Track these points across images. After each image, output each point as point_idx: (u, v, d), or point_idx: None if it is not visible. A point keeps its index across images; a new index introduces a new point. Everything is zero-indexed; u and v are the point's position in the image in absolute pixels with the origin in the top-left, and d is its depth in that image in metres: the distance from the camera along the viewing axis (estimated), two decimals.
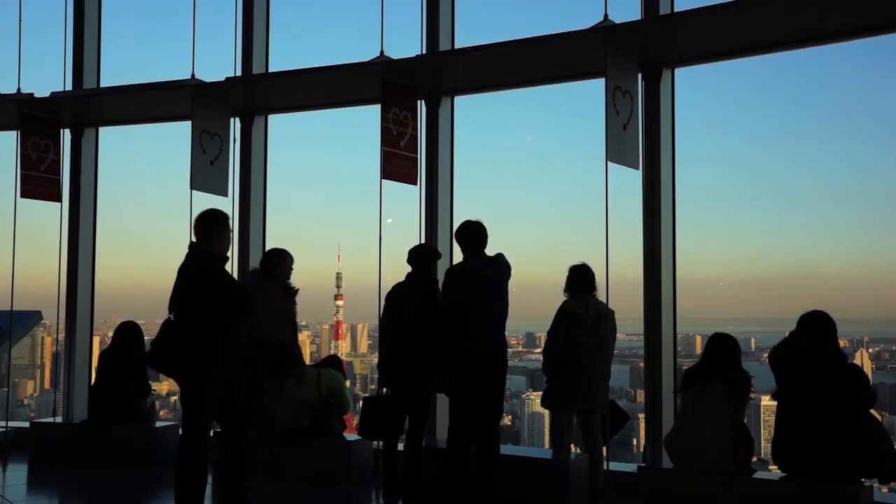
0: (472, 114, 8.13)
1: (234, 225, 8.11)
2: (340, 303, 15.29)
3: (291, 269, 6.20)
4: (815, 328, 5.17)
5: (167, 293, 5.15)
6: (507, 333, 5.81)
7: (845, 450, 4.93)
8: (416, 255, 6.20)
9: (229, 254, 5.28)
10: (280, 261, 6.13)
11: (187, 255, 5.15)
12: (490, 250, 5.79)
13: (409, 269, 6.19)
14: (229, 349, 5.05)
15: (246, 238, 8.18)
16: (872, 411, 5.14)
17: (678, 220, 6.61)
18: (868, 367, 9.31)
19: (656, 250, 6.49)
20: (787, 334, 5.36)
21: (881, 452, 4.94)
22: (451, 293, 5.76)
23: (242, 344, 5.30)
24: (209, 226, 5.17)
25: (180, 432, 5.12)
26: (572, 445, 6.19)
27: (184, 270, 5.12)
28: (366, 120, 7.70)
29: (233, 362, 5.12)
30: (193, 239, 5.22)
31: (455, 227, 6.15)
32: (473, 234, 5.80)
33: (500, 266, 5.75)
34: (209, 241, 5.13)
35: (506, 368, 5.78)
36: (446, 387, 5.85)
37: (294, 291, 6.13)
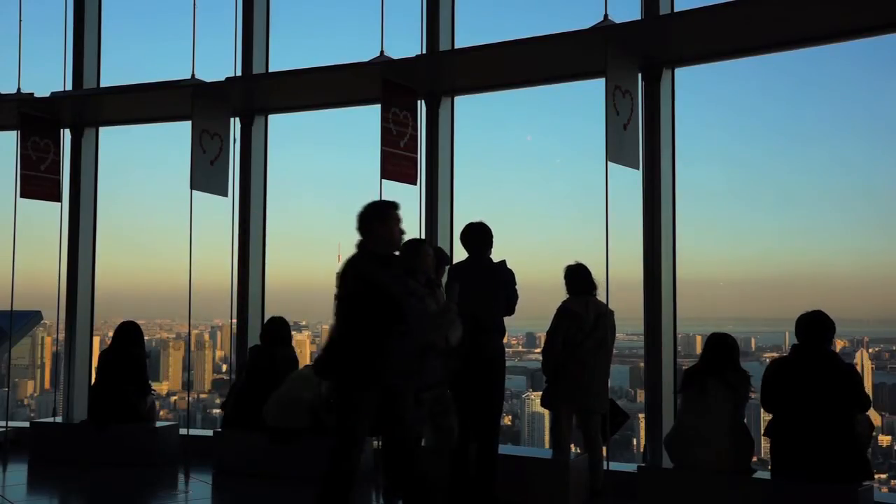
0: (472, 114, 8.13)
1: (235, 225, 8.12)
2: None
3: (434, 259, 5.62)
4: (811, 327, 5.17)
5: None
6: (507, 333, 5.81)
7: (836, 452, 4.94)
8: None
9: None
10: (419, 252, 5.52)
11: (352, 254, 4.72)
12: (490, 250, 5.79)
13: None
14: (393, 358, 4.57)
15: (246, 238, 8.18)
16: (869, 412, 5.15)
17: (678, 220, 6.61)
18: (868, 368, 9.31)
19: (656, 250, 6.50)
20: (786, 336, 5.37)
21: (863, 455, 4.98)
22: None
23: (407, 352, 4.74)
24: (361, 222, 4.72)
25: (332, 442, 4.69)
26: (572, 445, 6.19)
27: (342, 271, 4.71)
28: (366, 120, 7.71)
29: (396, 372, 4.61)
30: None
31: (455, 227, 6.15)
32: (473, 235, 5.79)
33: (498, 271, 5.71)
34: (366, 239, 4.67)
35: (503, 370, 5.74)
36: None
37: (439, 286, 5.50)
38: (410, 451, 4.76)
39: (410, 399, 4.76)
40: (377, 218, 4.68)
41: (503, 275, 5.71)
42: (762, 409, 5.42)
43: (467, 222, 5.88)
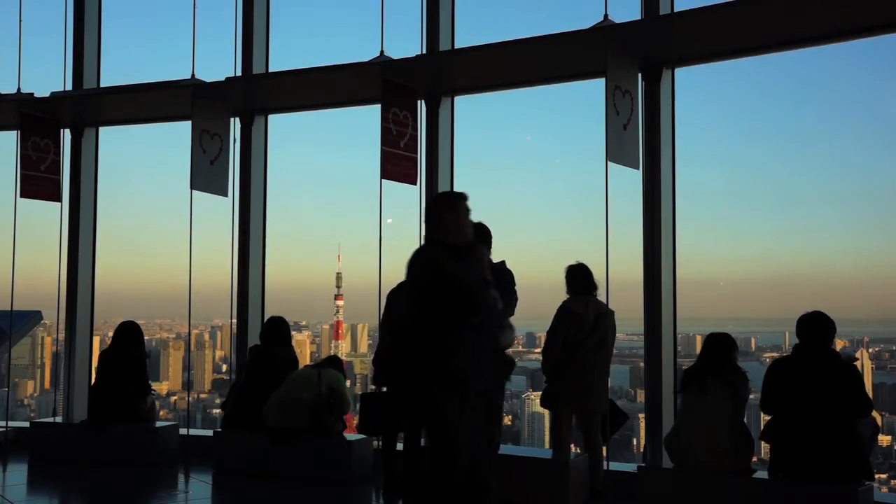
0: (472, 114, 8.14)
1: (235, 225, 8.13)
2: (340, 303, 15.30)
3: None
4: (812, 327, 5.17)
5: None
6: None
7: (837, 451, 4.94)
8: None
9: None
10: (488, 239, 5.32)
11: (420, 247, 4.54)
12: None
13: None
14: (465, 354, 4.30)
15: (246, 238, 8.18)
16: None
17: (678, 220, 6.61)
18: (868, 367, 9.31)
19: (656, 250, 6.50)
20: (786, 336, 5.38)
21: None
22: None
23: (479, 348, 4.41)
24: (430, 214, 4.57)
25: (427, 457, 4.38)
26: (572, 445, 6.19)
27: (411, 264, 4.49)
28: (366, 120, 7.71)
29: (467, 369, 4.33)
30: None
31: None
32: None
33: (496, 272, 5.64)
34: (436, 231, 4.51)
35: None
36: None
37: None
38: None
39: (474, 400, 4.39)
40: (446, 209, 4.56)
41: (501, 276, 5.68)
42: (761, 411, 5.41)
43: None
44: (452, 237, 4.47)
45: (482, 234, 5.77)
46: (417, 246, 4.65)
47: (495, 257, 5.79)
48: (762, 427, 5.39)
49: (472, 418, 4.34)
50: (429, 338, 4.31)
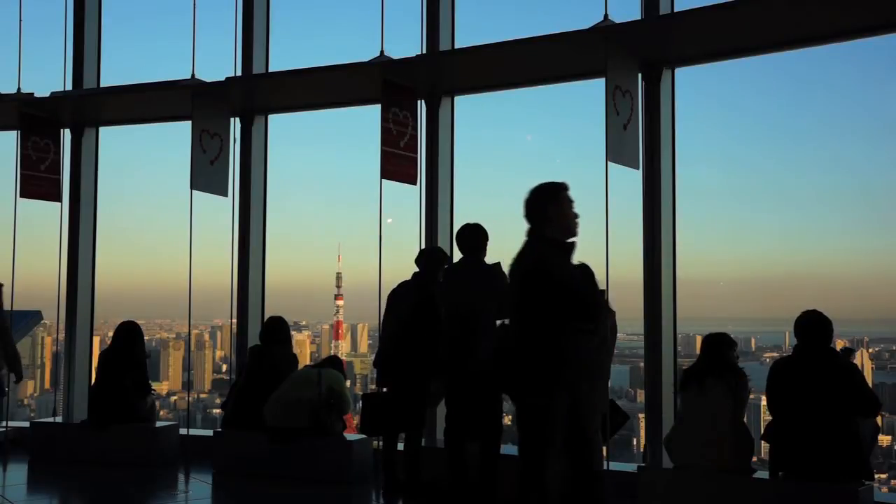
0: (472, 114, 8.14)
1: (235, 225, 8.13)
2: (340, 303, 15.33)
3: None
4: (811, 328, 5.17)
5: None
6: None
7: (839, 451, 4.93)
8: (425, 257, 6.22)
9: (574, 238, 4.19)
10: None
11: (523, 244, 4.21)
12: (490, 251, 5.78)
13: (412, 270, 6.19)
14: (580, 360, 4.10)
15: (246, 238, 8.18)
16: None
17: (678, 220, 6.61)
18: (868, 367, 9.31)
19: (656, 250, 6.49)
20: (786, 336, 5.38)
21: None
22: (440, 295, 5.77)
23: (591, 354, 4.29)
24: (532, 207, 4.22)
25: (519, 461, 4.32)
26: None
27: (515, 264, 4.21)
28: (366, 120, 7.71)
29: (582, 375, 4.17)
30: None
31: (455, 227, 6.15)
32: (465, 237, 5.75)
33: (490, 274, 5.61)
34: (539, 225, 4.17)
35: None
36: (438, 397, 5.87)
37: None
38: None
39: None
40: (550, 200, 4.17)
41: (495, 278, 5.64)
42: (764, 410, 5.41)
43: (464, 223, 5.87)
44: (557, 231, 4.13)
45: (476, 236, 5.76)
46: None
47: (496, 258, 5.79)
48: (762, 427, 5.39)
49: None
50: (540, 345, 4.02)
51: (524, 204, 4.26)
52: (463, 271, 5.71)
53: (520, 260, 4.18)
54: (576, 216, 4.24)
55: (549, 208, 4.18)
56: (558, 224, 4.16)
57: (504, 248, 5.81)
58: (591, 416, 4.30)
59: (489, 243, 5.77)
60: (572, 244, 4.18)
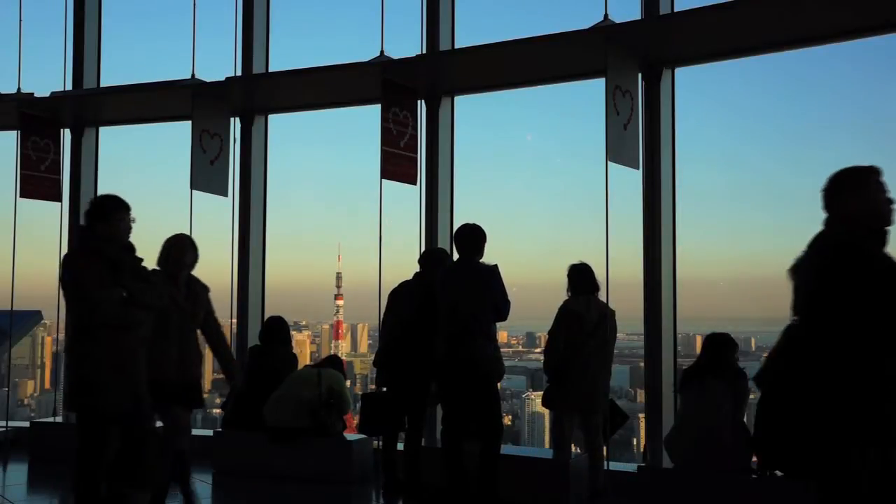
0: (472, 114, 8.15)
1: (235, 225, 8.13)
2: (340, 303, 15.30)
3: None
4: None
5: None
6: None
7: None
8: (426, 257, 6.22)
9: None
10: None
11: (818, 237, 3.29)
12: (490, 251, 5.78)
13: (412, 270, 6.20)
14: None
15: (246, 238, 8.18)
16: None
17: (678, 220, 6.62)
18: None
19: (656, 250, 6.50)
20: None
21: None
22: (437, 296, 5.79)
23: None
24: (831, 195, 3.29)
25: None
26: (573, 445, 6.19)
27: (812, 255, 3.29)
28: (366, 120, 7.72)
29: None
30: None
31: (455, 227, 6.15)
32: (462, 238, 5.75)
33: (485, 275, 5.61)
34: (837, 218, 3.27)
35: (492, 374, 5.64)
36: (438, 397, 5.88)
37: None
38: None
39: None
40: (855, 186, 3.24)
41: (491, 279, 5.64)
42: None
43: (462, 223, 5.87)
44: (858, 225, 3.19)
45: (472, 237, 5.76)
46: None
47: (495, 258, 5.80)
48: None
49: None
50: (856, 371, 3.08)
51: (823, 191, 3.36)
52: (459, 272, 5.71)
53: (841, 261, 3.23)
54: (890, 202, 3.29)
55: (846, 196, 3.29)
56: (860, 216, 3.25)
57: (504, 248, 5.82)
58: None
59: (487, 244, 5.77)
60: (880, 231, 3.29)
